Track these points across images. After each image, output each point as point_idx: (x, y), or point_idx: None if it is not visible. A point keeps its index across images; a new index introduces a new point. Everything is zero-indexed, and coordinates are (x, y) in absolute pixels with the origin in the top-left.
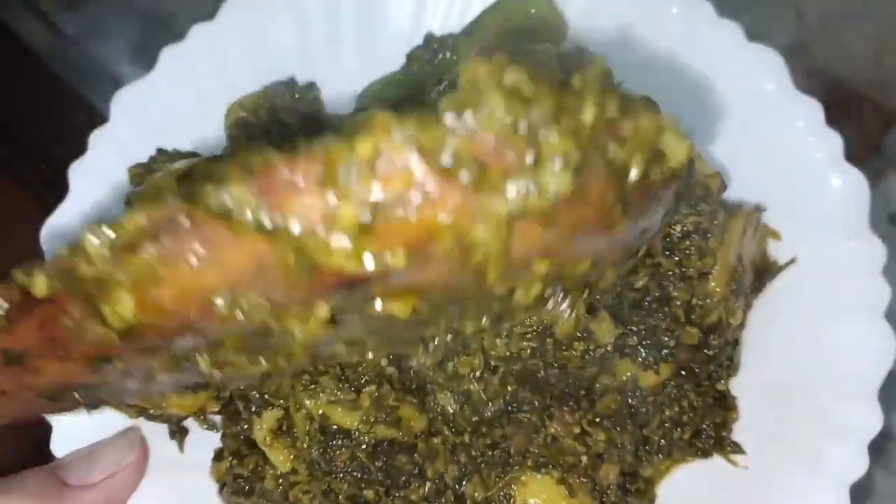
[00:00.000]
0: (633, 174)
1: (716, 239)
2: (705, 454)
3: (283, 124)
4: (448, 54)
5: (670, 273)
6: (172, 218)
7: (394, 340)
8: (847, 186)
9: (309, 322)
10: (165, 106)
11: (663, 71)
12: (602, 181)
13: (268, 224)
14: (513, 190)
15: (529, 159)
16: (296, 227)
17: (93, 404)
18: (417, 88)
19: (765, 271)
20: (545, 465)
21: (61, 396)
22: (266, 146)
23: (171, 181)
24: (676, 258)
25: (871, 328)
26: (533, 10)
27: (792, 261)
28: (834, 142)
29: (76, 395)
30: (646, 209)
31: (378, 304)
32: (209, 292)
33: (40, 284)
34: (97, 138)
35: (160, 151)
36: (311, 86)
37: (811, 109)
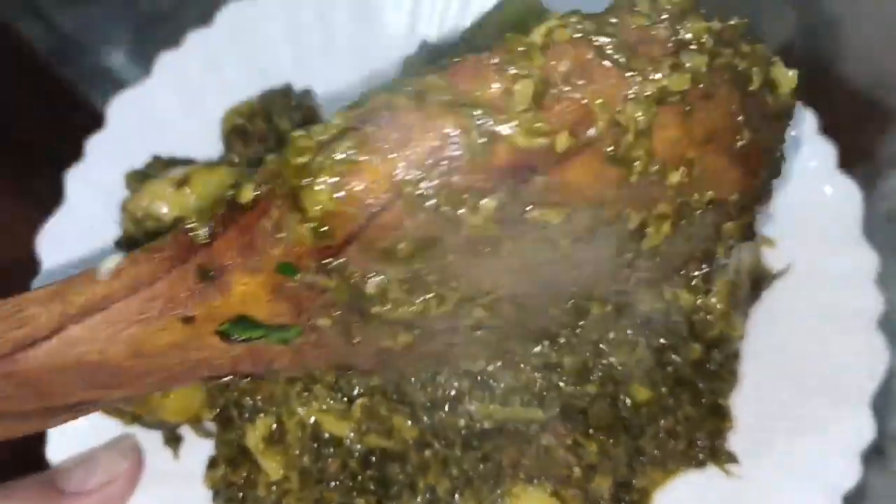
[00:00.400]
0: (755, 83)
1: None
2: (700, 464)
3: (279, 132)
4: (443, 61)
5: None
6: (377, 110)
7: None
8: (840, 195)
9: (479, 213)
10: (161, 113)
11: None
12: (729, 85)
13: (457, 106)
14: (658, 73)
15: (672, 48)
16: (479, 104)
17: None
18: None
19: (760, 279)
20: (538, 478)
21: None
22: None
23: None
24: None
25: (864, 338)
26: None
27: (786, 269)
28: (827, 151)
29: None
30: (764, 134)
31: (535, 212)
32: (399, 176)
33: (247, 191)
34: (93, 145)
35: (156, 158)
36: (306, 93)
37: (805, 118)
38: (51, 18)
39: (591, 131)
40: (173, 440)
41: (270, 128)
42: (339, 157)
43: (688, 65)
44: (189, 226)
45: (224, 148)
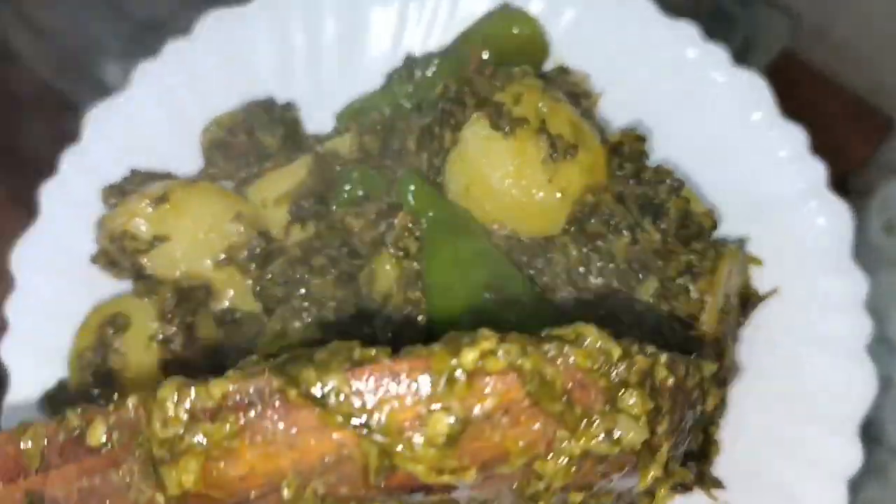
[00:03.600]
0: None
1: (704, 280)
2: (686, 489)
3: (260, 145)
4: (428, 73)
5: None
6: (263, 393)
7: None
8: (829, 217)
9: None
10: (139, 125)
11: (648, 94)
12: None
13: (360, 419)
14: (591, 431)
15: (611, 406)
16: (387, 427)
17: None
18: (396, 108)
19: (748, 301)
20: None
21: None
22: (363, 343)
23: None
24: (670, 301)
25: (853, 364)
26: (516, 30)
27: (774, 291)
28: (817, 171)
29: None
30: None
31: None
32: (279, 475)
33: (97, 433)
34: (68, 158)
35: (134, 172)
36: (289, 105)
37: (795, 138)
38: (43, 28)
39: (503, 468)
40: None
41: (252, 141)
42: (211, 440)
43: (621, 435)
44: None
45: (204, 161)
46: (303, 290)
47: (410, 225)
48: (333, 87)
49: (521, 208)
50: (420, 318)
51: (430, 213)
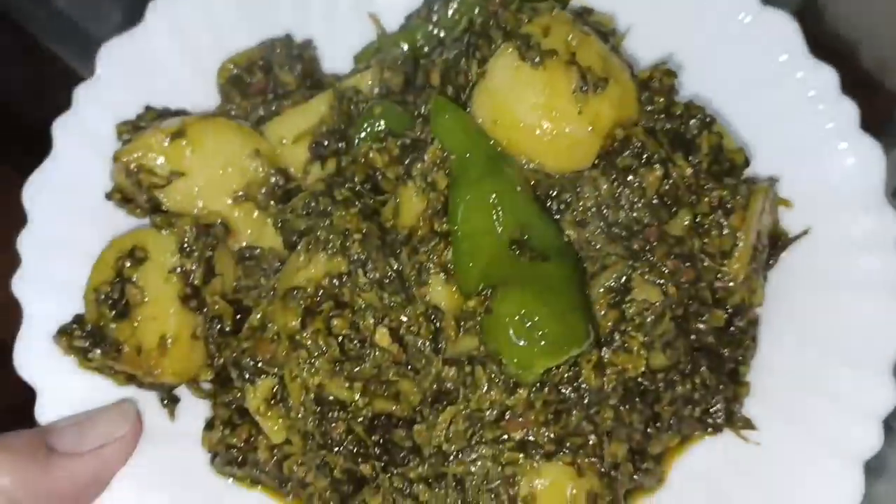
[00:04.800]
0: None
1: (737, 216)
2: (716, 429)
3: (279, 83)
4: (448, 14)
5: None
6: None
7: None
8: (861, 156)
9: None
10: (154, 61)
11: (675, 35)
12: None
13: None
14: None
15: None
16: None
17: None
18: (418, 46)
19: (778, 242)
20: (555, 454)
21: None
22: None
23: None
24: (702, 237)
25: (886, 304)
26: None
27: (805, 232)
28: (847, 110)
29: None
30: None
31: None
32: None
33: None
34: (82, 93)
35: (148, 109)
36: (307, 43)
37: (824, 78)
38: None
39: None
40: (170, 400)
41: (270, 79)
42: None
43: None
44: None
45: (220, 99)
46: (327, 222)
47: (440, 160)
48: (351, 29)
49: (551, 141)
50: (448, 253)
51: (461, 149)
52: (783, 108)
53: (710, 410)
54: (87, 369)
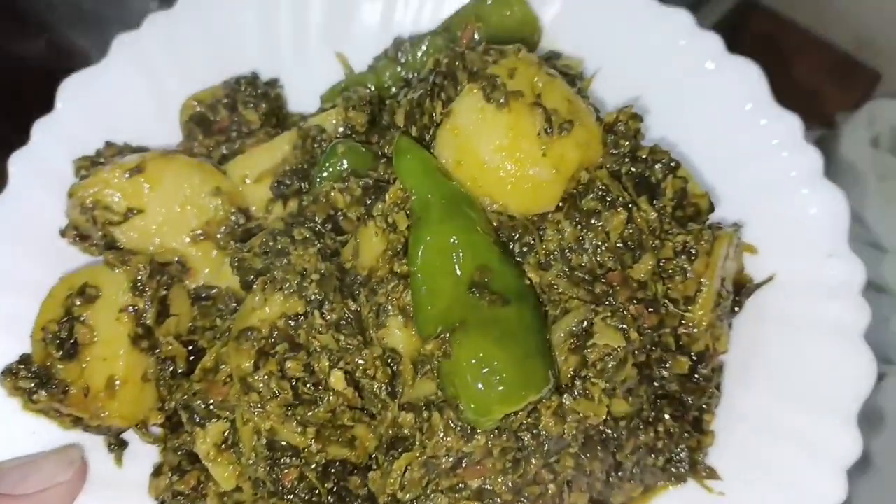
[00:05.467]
0: None
1: (700, 261)
2: (679, 480)
3: (242, 121)
4: (417, 56)
5: (662, 299)
6: None
7: None
8: (824, 203)
9: None
10: (116, 97)
11: (641, 82)
12: None
13: None
14: None
15: None
16: None
17: None
18: (384, 87)
19: (743, 289)
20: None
21: None
22: None
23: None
24: (666, 283)
25: (851, 351)
26: (507, 12)
27: (769, 278)
28: (811, 158)
29: None
30: None
31: None
32: None
33: None
34: (40, 128)
35: (108, 144)
36: (274, 82)
37: (788, 125)
38: None
39: None
40: (117, 445)
41: (233, 117)
42: None
43: None
44: None
45: (183, 136)
46: (284, 261)
47: (401, 200)
48: (319, 68)
49: (515, 183)
50: (407, 295)
51: (423, 190)
52: (747, 155)
53: (674, 459)
54: (31, 411)
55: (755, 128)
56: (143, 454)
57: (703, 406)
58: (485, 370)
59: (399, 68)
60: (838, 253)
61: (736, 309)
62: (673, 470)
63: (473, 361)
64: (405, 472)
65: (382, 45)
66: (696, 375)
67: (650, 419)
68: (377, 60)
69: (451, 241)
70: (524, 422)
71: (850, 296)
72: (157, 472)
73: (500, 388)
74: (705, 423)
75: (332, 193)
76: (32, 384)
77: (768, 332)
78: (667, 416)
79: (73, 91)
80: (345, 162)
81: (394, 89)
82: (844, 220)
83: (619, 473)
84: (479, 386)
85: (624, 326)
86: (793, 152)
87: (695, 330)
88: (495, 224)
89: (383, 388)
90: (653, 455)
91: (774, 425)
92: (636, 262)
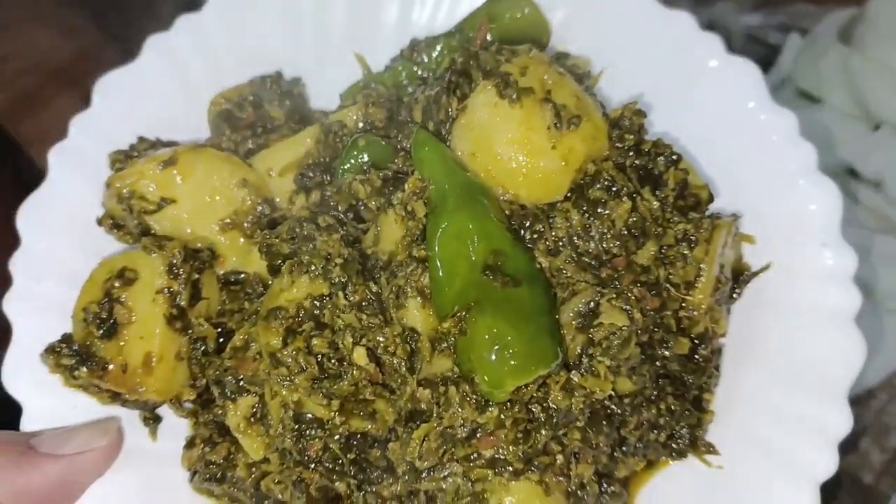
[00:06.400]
0: None
1: (700, 248)
2: (680, 455)
3: (268, 117)
4: (432, 56)
5: (664, 283)
6: None
7: None
8: (820, 196)
9: None
10: (148, 94)
11: (645, 82)
12: None
13: None
14: None
15: None
16: None
17: None
18: (399, 88)
19: (741, 276)
20: (524, 472)
21: None
22: None
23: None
24: (667, 268)
25: (842, 334)
26: (518, 14)
27: (766, 267)
28: (807, 153)
29: None
30: None
31: None
32: None
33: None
34: (78, 123)
35: (141, 139)
36: (296, 81)
37: (786, 122)
38: None
39: None
40: (152, 420)
41: (259, 114)
42: None
43: None
44: None
45: (211, 132)
46: (310, 246)
47: (419, 189)
48: (338, 69)
49: (526, 174)
50: (425, 278)
51: (440, 180)
52: (747, 150)
53: (675, 436)
54: (72, 387)
55: (755, 124)
56: (176, 429)
57: (703, 385)
58: (498, 346)
59: (415, 68)
60: (831, 243)
61: (735, 295)
62: (674, 445)
63: (487, 338)
64: (423, 441)
65: (399, 46)
66: (697, 356)
67: (653, 397)
68: (394, 61)
69: (467, 227)
70: (534, 395)
71: (841, 282)
72: (190, 444)
73: (512, 362)
74: (705, 402)
75: (354, 184)
76: (73, 361)
77: (765, 317)
78: (669, 395)
79: (107, 89)
80: (365, 155)
81: (410, 88)
82: (838, 211)
83: (624, 448)
84: (493, 360)
85: (628, 307)
86: (790, 147)
87: (695, 313)
88: (507, 213)
89: (403, 363)
90: (655, 431)
91: (770, 404)
92: (639, 249)
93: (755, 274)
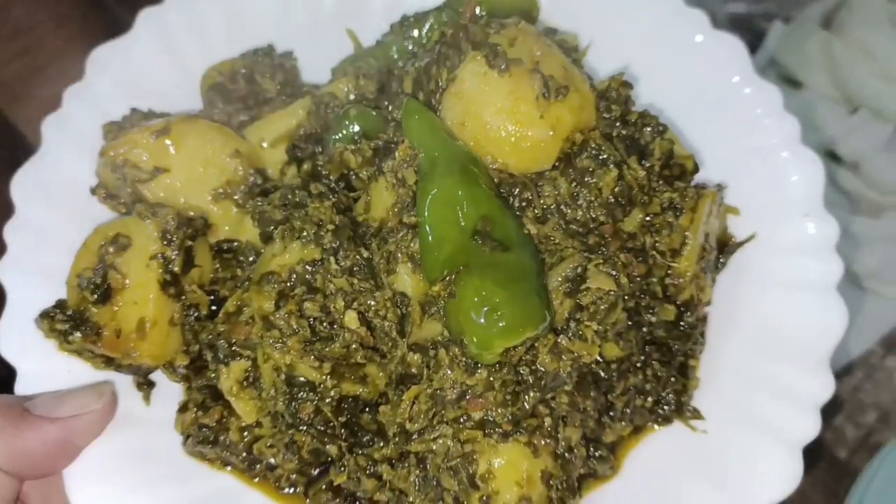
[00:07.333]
0: None
1: (685, 216)
2: (666, 420)
3: (260, 90)
4: (422, 31)
5: (650, 251)
6: None
7: None
8: (802, 168)
9: None
10: (141, 67)
11: (632, 56)
12: None
13: None
14: None
15: None
16: None
17: None
18: (390, 62)
19: (726, 247)
20: (512, 434)
21: None
22: None
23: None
24: (654, 236)
25: (825, 302)
26: None
27: (752, 237)
28: (790, 126)
29: None
30: None
31: None
32: None
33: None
34: (71, 94)
35: (134, 111)
36: (288, 54)
37: (770, 96)
38: None
39: None
40: (145, 384)
41: (251, 87)
42: None
43: None
44: None
45: (204, 104)
46: (302, 212)
47: (410, 157)
48: (332, 40)
49: (514, 143)
50: (415, 244)
51: (430, 148)
52: (731, 123)
53: (661, 402)
54: (66, 352)
55: (739, 97)
56: (169, 396)
57: (689, 352)
58: (486, 308)
59: (406, 42)
60: (814, 213)
61: (719, 265)
62: (660, 411)
63: (476, 300)
64: (413, 404)
65: (389, 21)
66: (682, 323)
67: (639, 363)
68: (385, 36)
69: (456, 193)
70: (523, 357)
71: (824, 252)
72: (183, 408)
73: (501, 323)
74: (690, 369)
75: (345, 154)
76: (68, 326)
77: (749, 287)
78: (655, 361)
79: (101, 61)
80: (357, 125)
81: (401, 62)
82: (820, 182)
83: (611, 413)
84: (482, 322)
85: (615, 273)
86: (773, 120)
87: (680, 280)
88: (496, 181)
89: (393, 327)
90: (642, 397)
91: (754, 371)
92: (626, 216)
93: (740, 244)
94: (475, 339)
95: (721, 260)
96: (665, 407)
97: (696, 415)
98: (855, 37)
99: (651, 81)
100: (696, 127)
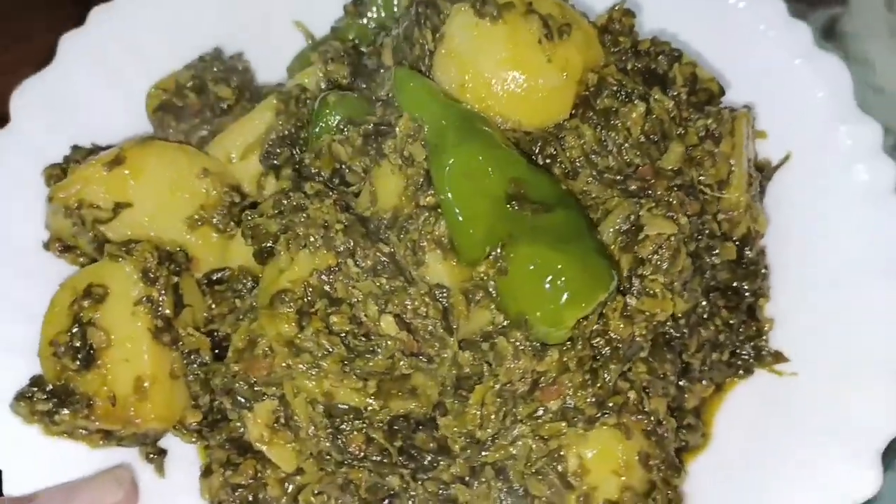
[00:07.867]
0: None
1: (726, 143)
2: (747, 371)
3: (216, 100)
4: (378, 4)
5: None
6: None
7: None
8: (824, 71)
9: None
10: (74, 97)
11: None
12: None
13: None
14: None
15: None
16: None
17: None
18: (358, 35)
19: (763, 171)
20: (598, 418)
21: None
22: None
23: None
24: (697, 169)
25: (885, 208)
26: None
27: (787, 157)
28: (801, 31)
29: None
30: None
31: None
32: None
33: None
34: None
35: (75, 148)
36: (239, 56)
37: (774, 7)
38: None
39: None
40: (156, 454)
41: (205, 97)
42: None
43: None
44: None
45: (154, 129)
46: (303, 216)
47: (413, 130)
48: (281, 43)
49: (525, 96)
50: (440, 226)
51: (434, 116)
52: (739, 42)
53: (738, 352)
54: (54, 435)
55: (742, 14)
56: (186, 459)
57: (757, 290)
58: (548, 277)
59: (364, 21)
60: (849, 118)
61: (763, 189)
62: (739, 362)
63: (533, 270)
64: (480, 408)
65: (342, 2)
66: (744, 260)
67: (706, 314)
68: (339, 21)
69: (476, 160)
70: (594, 328)
71: (871, 155)
72: (207, 472)
73: (567, 292)
74: (759, 309)
75: (333, 146)
76: (51, 405)
77: (799, 208)
78: (722, 309)
79: (26, 99)
80: (338, 113)
81: (364, 48)
82: (847, 84)
83: (689, 375)
84: (546, 293)
85: (671, 214)
86: (781, 31)
87: (734, 213)
88: (512, 142)
89: (438, 324)
90: (717, 351)
91: (831, 296)
92: (663, 154)
93: (777, 166)
94: (541, 316)
95: (762, 186)
96: (743, 356)
97: (780, 357)
98: (853, 48)
99: (652, 9)
100: (703, 52)
